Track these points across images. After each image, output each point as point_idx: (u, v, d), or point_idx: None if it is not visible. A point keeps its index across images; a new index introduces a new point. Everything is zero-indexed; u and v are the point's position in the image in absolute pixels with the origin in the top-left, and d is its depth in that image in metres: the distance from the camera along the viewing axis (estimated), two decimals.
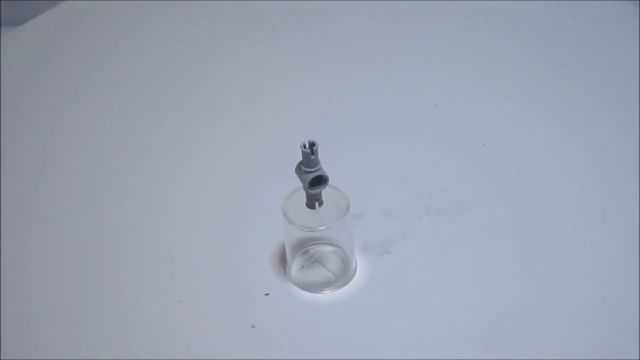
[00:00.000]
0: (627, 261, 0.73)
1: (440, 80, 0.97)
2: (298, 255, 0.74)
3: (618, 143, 0.86)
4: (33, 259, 0.77)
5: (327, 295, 0.72)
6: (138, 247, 0.78)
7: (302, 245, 0.74)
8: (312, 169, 0.67)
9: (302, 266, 0.74)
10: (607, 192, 0.80)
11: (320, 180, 0.68)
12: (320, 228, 0.70)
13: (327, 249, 0.75)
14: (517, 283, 0.72)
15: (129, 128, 0.93)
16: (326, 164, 0.68)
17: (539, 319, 0.69)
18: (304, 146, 0.66)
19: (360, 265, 0.74)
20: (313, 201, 0.69)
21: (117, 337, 0.70)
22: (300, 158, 0.67)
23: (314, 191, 0.68)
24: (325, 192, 0.70)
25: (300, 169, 0.67)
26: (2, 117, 0.95)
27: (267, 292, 0.71)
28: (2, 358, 0.69)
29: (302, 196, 0.70)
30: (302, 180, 0.68)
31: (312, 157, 0.66)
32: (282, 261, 0.74)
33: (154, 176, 0.86)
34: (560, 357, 0.66)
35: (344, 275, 0.73)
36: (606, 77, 0.95)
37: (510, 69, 0.98)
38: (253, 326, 0.69)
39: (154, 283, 0.74)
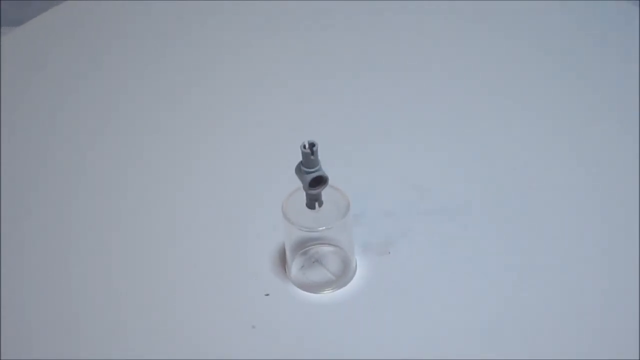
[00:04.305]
0: (627, 260, 0.73)
1: (441, 80, 0.97)
2: (298, 255, 0.74)
3: (618, 143, 0.85)
4: (33, 260, 0.77)
5: (327, 295, 0.72)
6: (137, 247, 0.78)
7: (302, 246, 0.74)
8: (312, 170, 0.67)
9: (302, 266, 0.74)
10: (608, 191, 0.80)
11: (320, 181, 0.68)
12: (321, 228, 0.70)
13: (327, 249, 0.75)
14: (517, 282, 0.72)
15: (129, 127, 0.93)
16: (326, 163, 0.68)
17: (539, 318, 0.69)
18: (304, 146, 0.66)
19: (360, 265, 0.74)
20: (313, 202, 0.69)
21: (116, 337, 0.70)
22: (300, 158, 0.67)
23: (314, 192, 0.68)
24: (325, 192, 0.70)
25: (300, 170, 0.67)
26: (1, 116, 0.95)
27: (268, 293, 0.71)
28: (2, 358, 0.69)
29: (302, 196, 0.70)
30: (302, 181, 0.68)
31: (312, 157, 0.66)
32: (282, 261, 0.74)
33: (154, 176, 0.86)
34: (560, 357, 0.66)
35: (344, 275, 0.73)
36: (606, 77, 0.95)
37: (510, 69, 0.98)
38: (253, 327, 0.69)
39: (153, 282, 0.74)
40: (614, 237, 0.75)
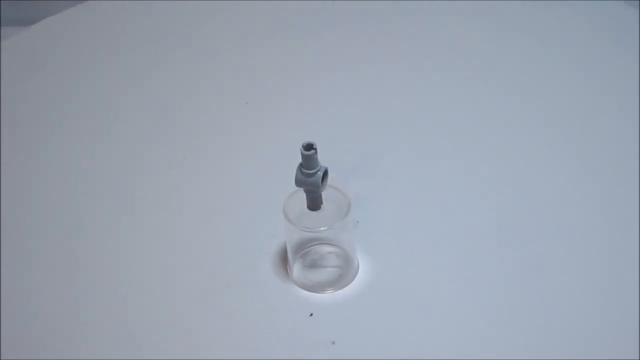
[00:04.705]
0: (627, 257, 0.73)
1: (441, 80, 0.97)
2: (299, 255, 0.74)
3: (618, 143, 0.86)
4: (33, 260, 0.78)
5: (329, 295, 0.72)
6: (137, 248, 0.78)
7: (304, 246, 0.75)
8: (316, 169, 0.67)
9: (304, 267, 0.74)
10: (606, 190, 0.80)
11: (324, 176, 0.68)
12: (322, 228, 0.70)
13: (328, 249, 0.75)
14: (519, 283, 0.72)
15: (129, 129, 0.93)
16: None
17: (540, 319, 0.69)
18: (306, 149, 0.66)
19: (362, 265, 0.74)
20: (318, 202, 0.69)
21: (115, 336, 0.70)
22: (294, 164, 0.67)
23: (322, 189, 0.68)
24: (326, 193, 0.70)
25: (303, 174, 0.67)
26: (2, 117, 0.96)
27: (312, 313, 0.71)
28: (2, 358, 0.69)
29: (302, 197, 0.70)
30: (313, 184, 0.67)
31: (316, 156, 0.66)
32: (284, 262, 0.74)
33: (154, 177, 0.86)
34: (560, 357, 0.66)
35: (345, 275, 0.73)
36: (606, 78, 0.95)
37: (508, 69, 0.98)
38: (333, 342, 0.69)
39: (154, 284, 0.74)
40: (613, 233, 0.75)
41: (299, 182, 0.68)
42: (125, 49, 1.07)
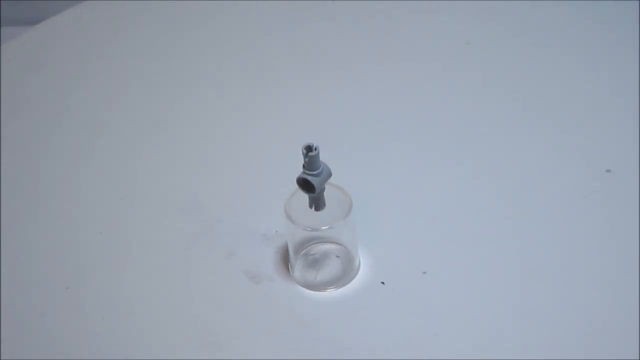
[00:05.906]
0: (626, 258, 0.73)
1: (441, 79, 0.97)
2: (301, 254, 0.75)
3: (618, 143, 0.86)
4: (32, 259, 0.78)
5: (330, 293, 0.72)
6: (138, 246, 0.78)
7: (305, 245, 0.75)
8: (319, 168, 0.67)
9: (305, 265, 0.74)
10: (606, 191, 0.80)
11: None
12: (324, 227, 0.70)
13: (330, 247, 0.75)
14: (519, 281, 0.72)
15: (130, 128, 0.93)
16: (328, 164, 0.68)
17: (541, 319, 0.69)
18: (309, 150, 0.66)
19: (364, 263, 0.74)
20: (322, 202, 0.70)
21: (115, 336, 0.70)
22: (297, 160, 0.67)
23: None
24: (328, 191, 0.70)
25: (309, 177, 0.67)
26: (2, 117, 0.96)
27: (383, 281, 0.72)
28: (2, 358, 0.69)
29: (304, 196, 0.70)
30: (325, 179, 0.68)
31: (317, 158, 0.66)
32: (285, 260, 0.74)
33: (155, 175, 0.86)
34: (560, 357, 0.66)
35: (347, 273, 0.73)
36: (606, 77, 0.95)
37: (509, 69, 0.98)
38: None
39: (155, 283, 0.74)
40: (614, 233, 0.76)
41: (319, 185, 0.68)
42: (125, 49, 1.08)
